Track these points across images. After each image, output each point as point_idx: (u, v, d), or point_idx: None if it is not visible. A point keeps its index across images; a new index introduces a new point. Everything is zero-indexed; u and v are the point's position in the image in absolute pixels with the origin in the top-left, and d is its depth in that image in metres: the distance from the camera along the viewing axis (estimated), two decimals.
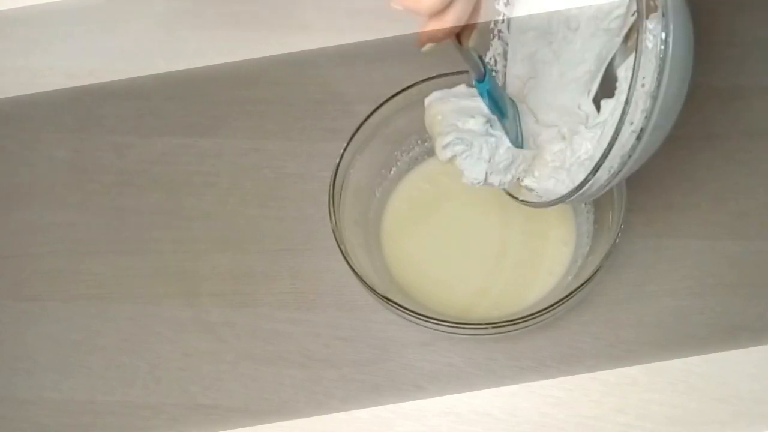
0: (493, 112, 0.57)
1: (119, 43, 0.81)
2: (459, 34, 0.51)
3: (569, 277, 0.62)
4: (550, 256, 0.64)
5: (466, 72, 0.65)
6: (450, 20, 0.49)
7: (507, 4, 0.59)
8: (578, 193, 0.53)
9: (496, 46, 0.61)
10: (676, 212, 0.67)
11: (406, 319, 0.58)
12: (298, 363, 0.64)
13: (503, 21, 0.60)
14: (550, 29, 0.57)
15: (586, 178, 0.52)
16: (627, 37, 0.55)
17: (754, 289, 0.64)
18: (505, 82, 0.62)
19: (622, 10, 0.53)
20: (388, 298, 0.58)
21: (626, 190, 0.59)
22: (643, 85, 0.47)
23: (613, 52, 0.56)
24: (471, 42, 0.53)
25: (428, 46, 0.51)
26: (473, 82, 0.56)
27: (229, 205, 0.72)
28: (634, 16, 0.53)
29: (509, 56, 0.61)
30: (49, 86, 0.79)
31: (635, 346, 0.63)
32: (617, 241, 0.58)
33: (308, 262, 0.68)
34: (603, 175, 0.51)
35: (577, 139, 0.57)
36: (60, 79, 0.80)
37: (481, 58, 0.55)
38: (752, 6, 0.76)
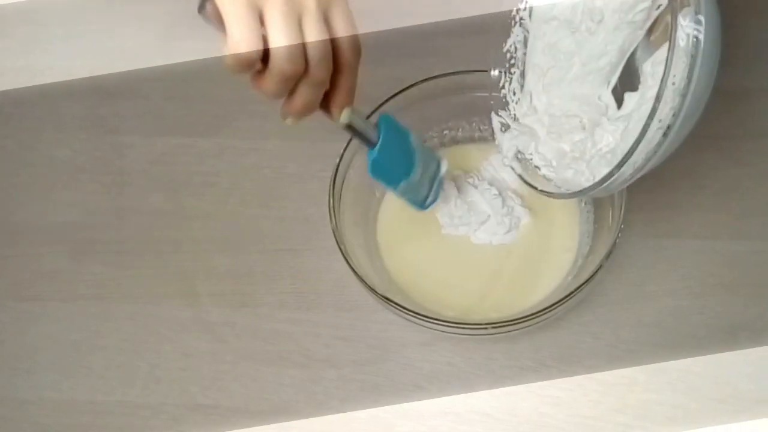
0: (381, 180, 0.60)
1: (119, 43, 0.81)
2: (330, 109, 0.53)
3: (569, 277, 0.62)
4: (551, 263, 0.64)
5: (468, 72, 0.66)
6: (297, 105, 0.50)
7: None
8: (601, 187, 0.53)
9: (517, 32, 0.61)
10: (676, 212, 0.67)
11: (406, 319, 0.58)
12: (298, 363, 0.64)
13: (525, 8, 0.60)
14: (573, 20, 0.57)
15: (611, 172, 0.51)
16: (650, 31, 0.55)
17: (754, 289, 0.64)
18: (511, 80, 0.62)
19: (647, 3, 0.53)
20: (388, 298, 0.58)
21: (626, 190, 0.59)
22: (673, 83, 0.47)
23: (635, 45, 0.55)
24: (345, 117, 0.53)
25: (288, 120, 0.52)
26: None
27: (229, 205, 0.72)
28: (659, 10, 0.53)
29: (529, 45, 0.60)
30: (49, 86, 0.79)
31: (635, 346, 0.62)
32: (617, 241, 0.58)
33: (308, 262, 0.68)
34: (627, 170, 0.51)
35: (599, 131, 0.56)
36: (60, 79, 0.80)
37: (369, 128, 0.56)
38: (758, 8, 0.76)
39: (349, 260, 0.60)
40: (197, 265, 0.69)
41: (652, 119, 0.48)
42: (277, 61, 0.47)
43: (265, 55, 0.47)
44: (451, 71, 0.66)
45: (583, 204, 0.65)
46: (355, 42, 0.50)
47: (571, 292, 0.57)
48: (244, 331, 0.65)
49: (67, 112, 0.78)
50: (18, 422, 0.63)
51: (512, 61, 0.61)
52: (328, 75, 0.49)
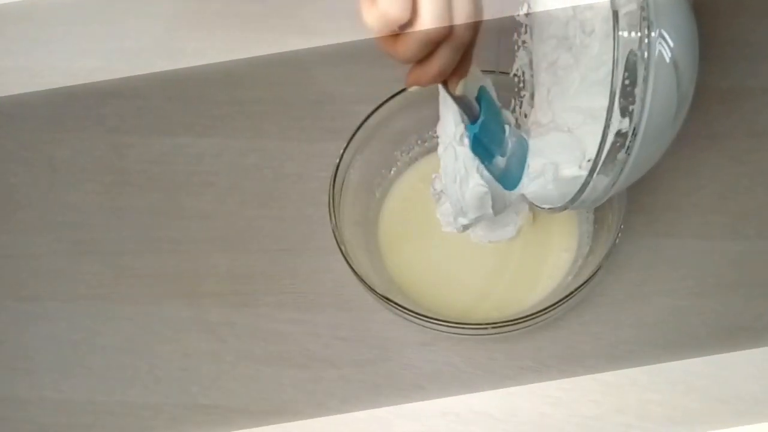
0: (478, 155, 0.57)
1: (119, 43, 0.81)
2: (447, 80, 0.50)
3: (569, 277, 0.62)
4: (550, 262, 0.64)
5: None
6: (433, 70, 0.48)
7: (528, 15, 0.59)
8: (579, 200, 0.53)
9: (522, 56, 0.60)
10: (676, 212, 0.67)
11: (406, 319, 0.58)
12: (298, 363, 0.64)
13: (526, 32, 0.60)
14: (567, 35, 0.57)
15: (585, 180, 0.51)
16: None
17: (754, 289, 0.64)
18: (520, 107, 0.62)
19: (632, 6, 0.53)
20: (388, 298, 0.58)
21: (626, 191, 0.59)
22: (629, 99, 0.46)
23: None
24: (460, 89, 0.52)
25: (414, 88, 0.51)
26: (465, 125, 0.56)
27: (228, 205, 0.72)
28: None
29: (534, 66, 0.60)
30: (49, 86, 0.79)
31: (635, 346, 0.62)
32: (617, 241, 0.58)
33: (308, 262, 0.68)
34: (600, 181, 0.51)
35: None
36: (60, 79, 0.80)
37: (480, 95, 0.55)
38: (758, 7, 0.76)
39: (349, 260, 0.60)
40: (197, 265, 0.69)
41: (608, 127, 0.47)
42: (425, 21, 0.44)
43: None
44: None
45: None
46: (481, 9, 0.47)
47: (571, 292, 0.57)
48: (244, 331, 0.65)
49: (67, 112, 0.78)
50: (18, 422, 0.63)
51: (521, 85, 0.61)
52: (474, 38, 0.47)
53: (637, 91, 0.46)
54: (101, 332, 0.66)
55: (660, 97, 0.47)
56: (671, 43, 0.47)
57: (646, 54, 0.45)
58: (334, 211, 0.61)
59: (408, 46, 0.45)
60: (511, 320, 0.57)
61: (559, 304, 0.57)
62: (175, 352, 0.65)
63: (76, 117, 0.77)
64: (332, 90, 0.76)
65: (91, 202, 0.73)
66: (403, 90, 0.65)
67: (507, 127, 0.57)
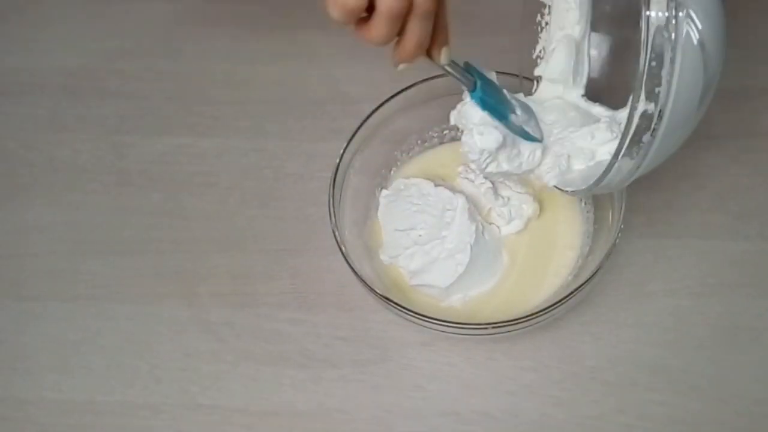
0: (494, 117, 0.57)
1: (119, 43, 0.81)
2: (430, 52, 0.51)
3: (569, 277, 0.62)
4: (557, 260, 0.64)
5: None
6: (410, 44, 0.49)
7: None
8: (603, 182, 0.52)
9: (545, 38, 0.61)
10: (676, 212, 0.67)
11: (406, 319, 0.58)
12: (298, 363, 0.64)
13: (549, 13, 0.61)
14: None
15: (610, 162, 0.51)
16: None
17: (754, 289, 0.64)
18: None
19: None
20: (388, 298, 0.58)
21: (626, 190, 0.59)
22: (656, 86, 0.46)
23: None
24: (445, 58, 0.52)
25: (401, 66, 0.51)
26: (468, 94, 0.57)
27: (229, 205, 0.72)
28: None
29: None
30: (49, 86, 0.79)
31: (635, 346, 0.62)
32: (617, 241, 0.58)
33: (308, 262, 0.68)
34: (625, 164, 0.50)
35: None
36: (60, 79, 0.80)
37: (467, 68, 0.55)
38: (759, 7, 0.76)
39: (349, 260, 0.60)
40: (197, 265, 0.69)
41: (632, 115, 0.47)
42: (384, 1, 0.46)
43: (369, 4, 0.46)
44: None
45: (583, 204, 0.65)
46: None
47: (571, 292, 0.57)
48: (244, 331, 0.65)
49: (67, 112, 0.78)
50: (18, 422, 0.63)
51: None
52: (435, 4, 0.48)
53: (664, 72, 0.46)
54: (101, 332, 0.66)
55: (686, 80, 0.47)
56: (699, 25, 0.46)
57: (673, 35, 0.45)
58: (334, 211, 0.61)
59: (378, 29, 0.47)
60: (511, 320, 0.57)
61: (559, 304, 0.57)
62: (175, 352, 0.65)
63: (76, 117, 0.77)
64: (332, 90, 0.77)
65: (91, 202, 0.73)
66: (403, 90, 0.65)
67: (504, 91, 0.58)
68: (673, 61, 0.46)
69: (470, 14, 0.77)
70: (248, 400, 0.63)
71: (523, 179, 0.66)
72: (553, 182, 0.58)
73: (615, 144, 0.54)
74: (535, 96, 0.62)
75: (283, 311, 0.66)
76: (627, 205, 0.59)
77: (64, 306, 0.68)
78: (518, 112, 0.58)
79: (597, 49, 0.61)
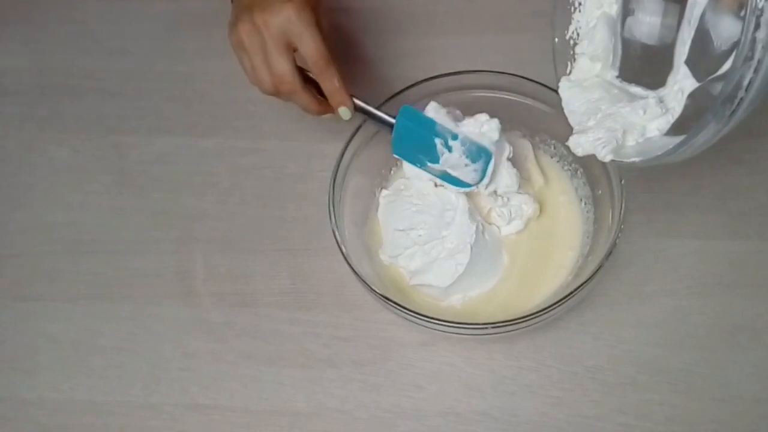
0: (409, 162, 0.63)
1: (119, 43, 0.81)
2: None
3: (569, 277, 0.62)
4: (557, 260, 0.64)
5: (468, 72, 0.66)
6: (303, 109, 0.62)
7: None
8: (686, 145, 0.51)
9: (578, 18, 0.61)
10: (675, 212, 0.67)
11: (406, 319, 0.58)
12: (298, 363, 0.64)
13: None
14: None
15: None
16: None
17: (754, 289, 0.64)
18: None
19: None
20: (388, 298, 0.58)
21: (626, 190, 0.59)
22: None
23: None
24: (345, 115, 0.61)
25: (329, 116, 0.63)
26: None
27: (229, 205, 0.72)
28: None
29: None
30: (49, 86, 0.79)
31: (635, 346, 0.63)
32: (617, 241, 0.58)
33: (308, 262, 0.68)
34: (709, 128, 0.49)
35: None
36: (60, 79, 0.80)
37: (381, 116, 0.62)
38: None
39: (349, 260, 0.60)
40: (197, 265, 0.69)
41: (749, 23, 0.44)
42: (259, 86, 0.61)
43: None
44: (451, 71, 0.66)
45: (583, 204, 0.65)
46: (316, 55, 0.59)
47: (571, 292, 0.57)
48: (244, 331, 0.65)
49: (67, 112, 0.78)
50: (18, 422, 0.63)
51: (574, 46, 0.62)
52: (294, 87, 0.60)
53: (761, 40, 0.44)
54: (101, 332, 0.66)
55: None
56: None
57: None
58: (334, 211, 0.61)
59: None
60: (511, 320, 0.57)
61: (559, 304, 0.57)
62: (175, 352, 0.65)
63: (76, 117, 0.77)
64: None
65: (91, 202, 0.73)
66: (403, 90, 0.65)
67: (444, 142, 0.62)
68: None
69: (471, 13, 0.77)
70: (248, 400, 0.63)
71: (522, 180, 0.66)
72: (609, 157, 0.57)
73: (666, 119, 0.54)
74: (573, 76, 0.62)
75: (283, 311, 0.66)
76: (627, 205, 0.59)
77: (64, 306, 0.68)
78: (451, 155, 0.62)
79: (630, 30, 0.61)
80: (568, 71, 0.62)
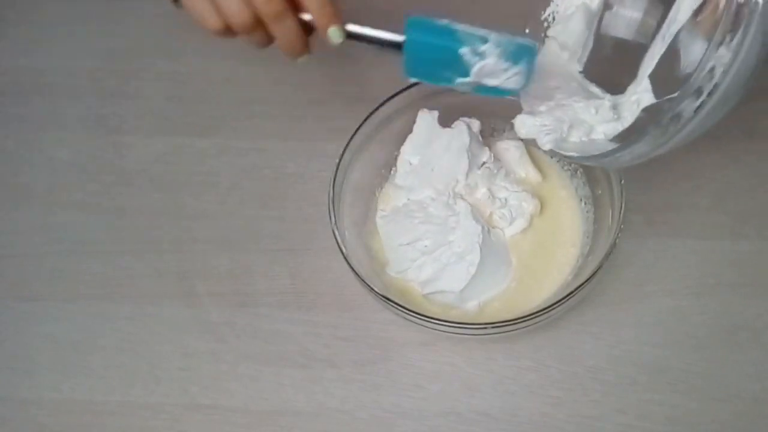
0: (432, 82, 0.55)
1: (119, 43, 0.81)
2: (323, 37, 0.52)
3: (570, 277, 0.62)
4: (559, 257, 0.64)
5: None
6: (285, 44, 0.53)
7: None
8: (614, 156, 0.52)
9: (557, 2, 0.61)
10: (676, 212, 0.67)
11: (406, 319, 0.58)
12: (298, 363, 0.64)
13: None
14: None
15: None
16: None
17: (754, 289, 0.64)
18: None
19: None
20: (388, 298, 0.58)
21: (626, 190, 0.59)
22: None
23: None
24: (336, 37, 0.52)
25: (301, 60, 0.54)
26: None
27: (229, 205, 0.72)
28: None
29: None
30: (49, 86, 0.79)
31: (635, 346, 0.63)
32: (617, 241, 0.58)
33: (308, 262, 0.68)
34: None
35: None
36: (60, 79, 0.80)
37: (377, 36, 0.53)
38: None
39: (348, 260, 0.60)
40: (197, 265, 0.69)
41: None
42: (230, 20, 0.50)
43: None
44: None
45: (582, 204, 0.65)
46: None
47: (571, 292, 0.57)
48: (244, 331, 0.65)
49: (67, 112, 0.78)
50: (18, 422, 0.63)
51: (547, 28, 0.61)
52: (282, 6, 0.50)
53: (718, 71, 0.45)
54: (101, 332, 0.66)
55: (737, 81, 0.47)
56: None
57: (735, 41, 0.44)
58: (334, 211, 0.61)
59: (245, 39, 0.53)
60: (511, 320, 0.57)
61: (559, 304, 0.57)
62: (175, 352, 0.65)
63: (76, 117, 0.77)
64: (332, 90, 0.77)
65: (91, 202, 0.73)
66: (403, 90, 0.65)
67: (473, 49, 0.53)
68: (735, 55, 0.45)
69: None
70: (248, 400, 0.63)
71: (519, 178, 0.66)
72: (548, 146, 0.57)
73: (614, 126, 0.54)
74: (539, 57, 0.60)
75: (283, 311, 0.66)
76: (627, 205, 0.59)
77: (64, 306, 0.68)
78: (485, 63, 0.53)
79: (606, 28, 0.61)
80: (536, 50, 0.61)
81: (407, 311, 0.57)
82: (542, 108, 0.58)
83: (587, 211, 0.65)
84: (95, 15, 0.83)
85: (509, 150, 0.67)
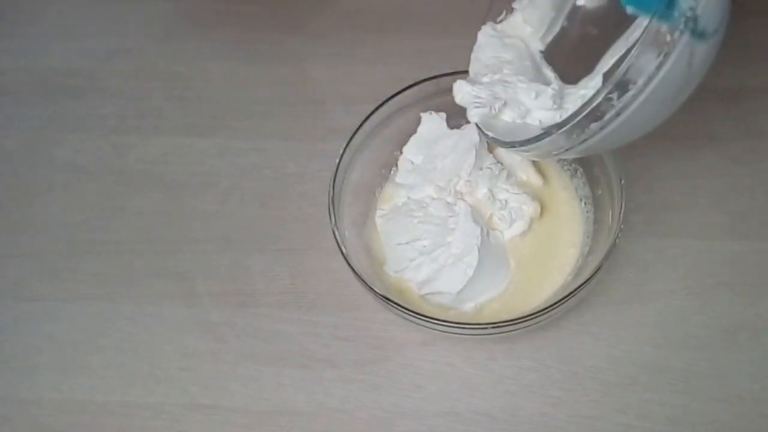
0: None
1: (119, 43, 0.81)
2: None
3: (570, 277, 0.62)
4: (559, 258, 0.64)
5: (464, 72, 0.66)
6: None
7: None
8: (530, 146, 0.52)
9: None
10: (676, 212, 0.67)
11: (406, 319, 0.58)
12: (298, 363, 0.64)
13: None
14: None
15: (546, 130, 0.50)
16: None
17: (754, 289, 0.64)
18: None
19: None
20: (388, 298, 0.58)
21: (626, 190, 0.59)
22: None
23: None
24: None
25: None
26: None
27: (229, 205, 0.72)
28: None
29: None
30: (49, 86, 0.79)
31: (635, 346, 0.62)
32: (617, 241, 0.58)
33: (308, 262, 0.68)
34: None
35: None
36: (60, 79, 0.80)
37: None
38: (758, 8, 0.76)
39: (348, 260, 0.60)
40: (197, 265, 0.69)
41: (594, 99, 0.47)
42: None
43: None
44: (451, 71, 0.66)
45: (582, 204, 0.65)
46: None
47: (571, 292, 0.57)
48: (244, 331, 0.65)
49: (67, 112, 0.78)
50: (18, 422, 0.63)
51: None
52: None
53: (641, 79, 0.46)
54: (101, 332, 0.66)
55: (661, 93, 0.47)
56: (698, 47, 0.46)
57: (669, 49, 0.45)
58: (334, 211, 0.61)
59: None
60: (511, 320, 0.57)
61: (559, 304, 0.57)
62: (175, 352, 0.65)
63: (76, 117, 0.77)
64: (332, 90, 0.77)
65: (91, 202, 0.73)
66: (403, 90, 0.65)
67: None
68: (659, 67, 0.46)
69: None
70: (248, 400, 0.63)
71: (520, 180, 0.66)
72: (475, 119, 0.57)
73: (551, 115, 0.53)
74: (500, 26, 0.60)
75: (283, 311, 0.66)
76: (627, 205, 0.59)
77: (64, 306, 0.68)
78: None
79: (574, 15, 0.60)
80: (498, 19, 0.60)
81: (407, 311, 0.57)
82: (485, 79, 0.57)
83: (587, 212, 0.65)
84: (95, 15, 0.83)
85: (511, 153, 0.67)
